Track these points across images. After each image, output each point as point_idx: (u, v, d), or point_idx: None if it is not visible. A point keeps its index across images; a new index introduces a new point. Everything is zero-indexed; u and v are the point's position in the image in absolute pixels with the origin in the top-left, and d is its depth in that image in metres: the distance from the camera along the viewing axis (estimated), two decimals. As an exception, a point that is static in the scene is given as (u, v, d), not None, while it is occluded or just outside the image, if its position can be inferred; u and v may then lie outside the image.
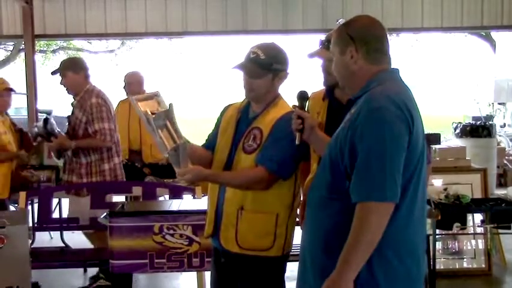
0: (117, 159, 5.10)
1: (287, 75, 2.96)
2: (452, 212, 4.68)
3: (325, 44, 2.91)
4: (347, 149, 2.18)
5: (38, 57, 17.55)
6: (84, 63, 5.14)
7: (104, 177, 4.98)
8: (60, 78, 5.04)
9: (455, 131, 9.92)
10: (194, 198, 4.84)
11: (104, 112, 4.90)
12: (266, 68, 2.87)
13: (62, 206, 6.24)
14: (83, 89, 4.97)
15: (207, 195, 3.11)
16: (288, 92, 3.07)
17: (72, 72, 4.97)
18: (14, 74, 18.52)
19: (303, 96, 2.72)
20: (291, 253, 3.03)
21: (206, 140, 3.19)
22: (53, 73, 5.18)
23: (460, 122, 10.26)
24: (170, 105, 2.93)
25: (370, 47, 2.29)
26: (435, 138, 6.30)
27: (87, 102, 4.90)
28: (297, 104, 2.69)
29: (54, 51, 19.74)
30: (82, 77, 4.97)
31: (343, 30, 2.33)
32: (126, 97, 6.55)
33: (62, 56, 20.28)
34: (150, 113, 2.80)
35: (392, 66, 2.36)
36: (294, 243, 3.03)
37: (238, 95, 3.18)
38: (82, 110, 4.92)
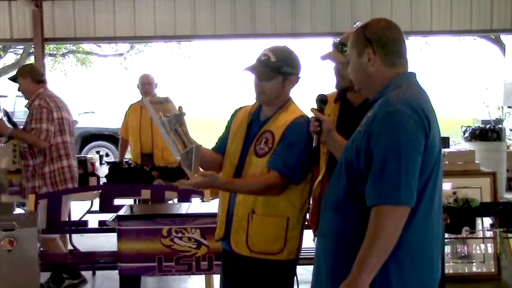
0: (66, 162, 5.09)
1: (298, 79, 2.96)
2: (461, 216, 4.67)
3: (339, 47, 2.90)
4: (363, 152, 2.18)
5: (48, 61, 17.63)
6: (33, 69, 5.30)
7: (44, 181, 5.01)
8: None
9: (464, 134, 9.89)
10: (203, 201, 4.84)
11: (44, 113, 4.95)
12: (276, 70, 2.86)
13: (71, 209, 6.26)
14: (34, 93, 5.06)
15: (219, 198, 3.11)
16: (298, 95, 3.07)
17: (21, 77, 5.11)
18: (24, 78, 18.58)
19: (321, 100, 2.73)
20: (300, 256, 3.02)
21: (216, 143, 3.18)
22: (9, 79, 5.36)
23: (469, 126, 10.23)
24: (180, 108, 2.93)
25: (388, 50, 2.29)
26: (444, 141, 6.28)
27: (32, 105, 5.01)
28: (315, 106, 2.70)
29: (63, 55, 19.78)
30: (29, 81, 5.07)
31: (361, 32, 2.33)
32: (137, 101, 6.60)
33: (71, 59, 20.36)
34: (163, 116, 2.81)
35: (409, 70, 2.36)
36: (303, 246, 3.02)
37: (248, 98, 3.18)
38: (30, 113, 5.04)
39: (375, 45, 2.29)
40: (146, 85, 6.50)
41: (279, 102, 2.96)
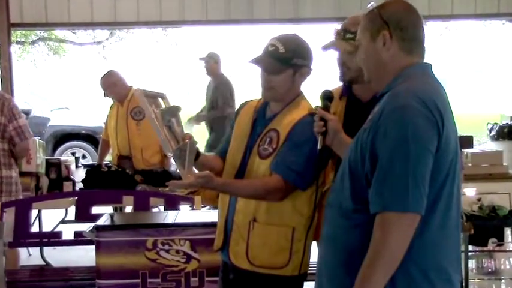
0: None
1: (310, 71, 2.98)
2: (487, 226, 4.67)
3: (341, 34, 2.92)
4: (368, 152, 2.18)
5: (15, 49, 17.61)
6: None
7: None
8: None
9: (490, 132, 9.89)
10: (192, 209, 4.85)
11: None
12: (285, 62, 2.88)
13: (42, 219, 6.27)
14: None
15: (218, 203, 3.12)
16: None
17: None
18: (-12, 69, 18.61)
19: (326, 96, 2.74)
20: (308, 272, 3.03)
21: (219, 145, 3.22)
22: None
23: (496, 123, 10.22)
24: (174, 106, 2.96)
25: (407, 34, 2.29)
26: (467, 141, 6.29)
27: None
28: (319, 104, 2.71)
29: (33, 43, 19.76)
30: None
31: (376, 13, 2.32)
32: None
33: (41, 47, 20.35)
34: (156, 109, 2.84)
35: (424, 60, 2.35)
36: (311, 260, 3.02)
37: (243, 93, 3.19)
38: None
39: (393, 28, 2.28)
40: (111, 86, 6.40)
41: (288, 98, 2.97)
